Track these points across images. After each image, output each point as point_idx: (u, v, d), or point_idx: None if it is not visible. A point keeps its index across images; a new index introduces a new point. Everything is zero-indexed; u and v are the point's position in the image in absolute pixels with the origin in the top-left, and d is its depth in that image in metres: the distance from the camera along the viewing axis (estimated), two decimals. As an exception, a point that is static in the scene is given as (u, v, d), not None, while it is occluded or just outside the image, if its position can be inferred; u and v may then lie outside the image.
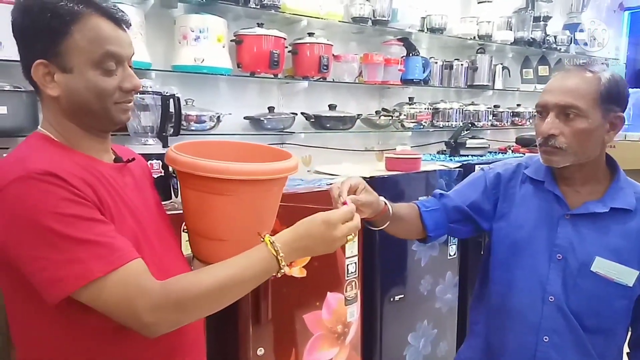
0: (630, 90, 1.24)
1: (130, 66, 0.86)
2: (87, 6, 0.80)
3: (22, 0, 0.80)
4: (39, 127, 0.85)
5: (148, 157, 1.41)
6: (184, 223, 1.03)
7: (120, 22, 0.83)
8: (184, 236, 1.09)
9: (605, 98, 1.01)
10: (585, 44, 3.56)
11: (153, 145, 1.61)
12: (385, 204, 1.15)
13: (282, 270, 0.81)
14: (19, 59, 0.82)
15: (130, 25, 0.87)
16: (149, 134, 1.62)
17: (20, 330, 0.82)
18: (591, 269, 1.04)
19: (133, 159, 0.94)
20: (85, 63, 0.79)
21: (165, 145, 1.66)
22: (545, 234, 1.09)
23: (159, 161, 1.55)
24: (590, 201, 1.08)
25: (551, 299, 1.07)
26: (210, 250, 0.97)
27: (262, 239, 0.82)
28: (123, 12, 0.85)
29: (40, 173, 0.72)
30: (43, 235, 0.71)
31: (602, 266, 1.04)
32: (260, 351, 1.61)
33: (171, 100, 1.63)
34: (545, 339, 1.08)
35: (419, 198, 2.02)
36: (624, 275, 1.04)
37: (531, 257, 1.10)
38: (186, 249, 1.03)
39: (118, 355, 0.81)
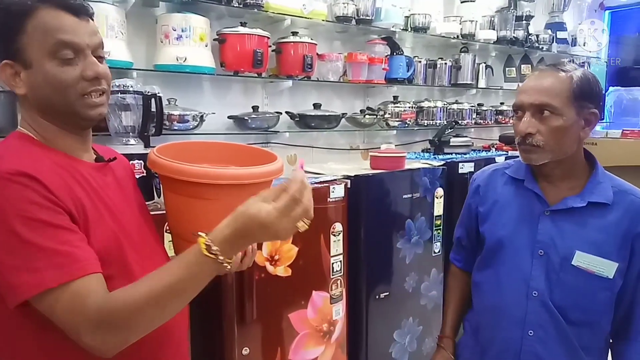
0: (611, 88, 1.26)
1: (99, 57, 0.83)
2: (40, 0, 0.78)
3: None
4: (18, 126, 0.84)
5: (130, 157, 1.39)
6: (166, 224, 1.02)
7: (77, 11, 0.80)
8: (167, 237, 1.09)
9: (578, 96, 1.05)
10: (567, 42, 3.61)
11: (135, 145, 1.60)
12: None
13: (228, 267, 0.73)
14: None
15: (92, 13, 0.84)
16: (131, 133, 1.61)
17: None
18: (572, 262, 1.08)
19: (114, 159, 0.93)
20: (42, 55, 0.78)
21: (147, 145, 1.65)
22: (526, 231, 1.13)
23: (141, 161, 1.54)
24: (568, 197, 1.11)
25: (535, 294, 1.11)
26: None
27: (197, 239, 0.73)
28: (83, 2, 0.82)
29: (13, 173, 0.71)
30: (5, 238, 0.70)
31: (583, 260, 1.07)
32: (246, 351, 1.61)
33: (153, 99, 1.62)
34: (530, 333, 1.11)
35: (403, 196, 2.05)
36: (604, 267, 1.07)
37: (514, 255, 1.14)
38: (170, 250, 1.03)
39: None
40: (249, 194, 0.77)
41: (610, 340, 1.16)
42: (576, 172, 1.12)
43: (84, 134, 0.87)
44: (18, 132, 0.83)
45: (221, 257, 0.71)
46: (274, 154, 1.00)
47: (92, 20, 0.84)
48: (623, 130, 3.53)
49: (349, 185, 1.87)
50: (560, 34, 3.56)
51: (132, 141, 1.62)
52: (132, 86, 1.62)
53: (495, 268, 1.18)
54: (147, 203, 1.05)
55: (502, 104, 3.29)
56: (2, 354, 0.80)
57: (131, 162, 1.34)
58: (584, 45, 3.65)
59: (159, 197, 1.57)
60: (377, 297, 1.99)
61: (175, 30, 1.82)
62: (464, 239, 1.35)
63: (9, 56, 0.78)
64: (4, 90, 1.45)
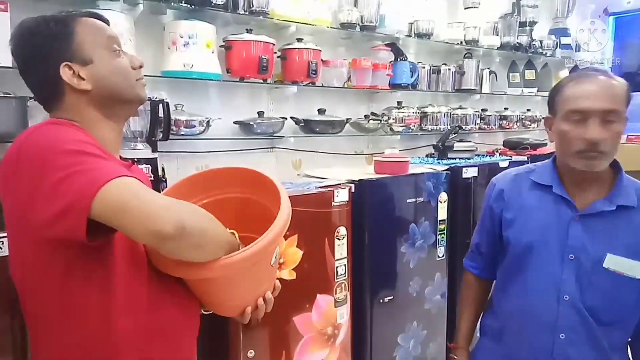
0: None
1: None
2: (75, 12, 0.91)
3: (22, 25, 0.87)
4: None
5: (138, 162, 1.42)
6: None
7: (104, 20, 0.95)
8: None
9: (628, 101, 1.08)
10: (571, 47, 3.63)
11: (142, 150, 1.63)
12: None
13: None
14: (18, 71, 0.90)
15: (109, 24, 0.97)
16: (139, 138, 1.64)
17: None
18: (603, 265, 1.10)
19: (134, 162, 1.02)
20: (100, 49, 0.89)
21: (154, 150, 1.68)
22: (556, 236, 1.14)
23: (149, 166, 1.57)
24: (597, 200, 1.12)
25: (566, 297, 1.12)
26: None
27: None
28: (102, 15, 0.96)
29: (65, 124, 0.84)
30: (68, 158, 0.75)
31: (614, 262, 1.09)
32: (251, 353, 1.62)
33: (160, 105, 1.65)
34: (562, 336, 1.13)
35: (407, 200, 2.07)
36: (634, 269, 1.09)
37: (543, 260, 1.16)
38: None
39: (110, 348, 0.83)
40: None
41: (629, 339, 1.18)
42: (603, 176, 1.14)
43: (121, 130, 0.97)
44: (54, 119, 0.88)
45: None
46: (278, 187, 0.98)
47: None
48: (628, 135, 3.53)
49: (353, 190, 1.89)
50: (564, 40, 3.57)
51: (140, 146, 1.65)
52: (140, 92, 1.65)
53: (524, 273, 1.18)
54: None
55: (506, 109, 3.31)
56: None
57: (139, 166, 1.37)
58: (586, 45, 3.65)
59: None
60: (381, 301, 1.99)
61: (182, 37, 1.85)
62: (482, 245, 1.35)
63: (65, 58, 0.86)
64: (16, 97, 1.48)
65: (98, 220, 0.72)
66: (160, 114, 1.68)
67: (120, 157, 0.99)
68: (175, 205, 0.76)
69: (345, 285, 1.87)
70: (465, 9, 3.02)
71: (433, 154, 2.69)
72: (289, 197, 0.97)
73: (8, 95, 1.48)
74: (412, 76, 2.62)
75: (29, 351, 0.88)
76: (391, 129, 2.62)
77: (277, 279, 1.64)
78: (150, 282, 0.87)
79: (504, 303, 1.26)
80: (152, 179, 1.54)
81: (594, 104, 1.05)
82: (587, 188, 1.14)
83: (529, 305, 1.17)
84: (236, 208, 1.03)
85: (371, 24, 2.42)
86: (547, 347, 1.14)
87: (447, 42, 2.83)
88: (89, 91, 0.88)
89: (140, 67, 0.95)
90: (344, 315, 1.87)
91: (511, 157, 2.72)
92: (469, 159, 2.55)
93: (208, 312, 1.04)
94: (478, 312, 1.36)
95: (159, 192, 1.38)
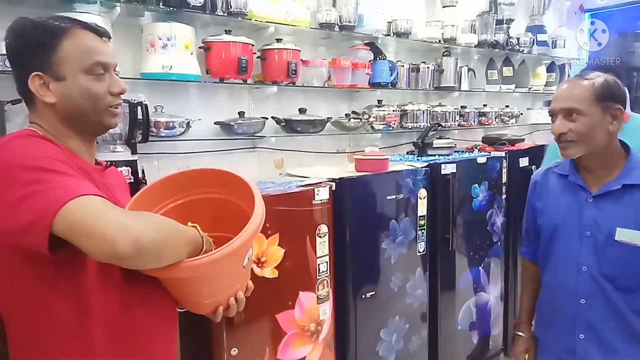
0: None
1: (115, 73, 0.95)
2: (72, 22, 0.90)
3: (14, 23, 0.89)
4: (27, 127, 0.92)
5: (117, 164, 1.43)
6: None
7: (101, 34, 0.94)
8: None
9: (600, 98, 1.27)
10: (547, 44, 3.70)
11: (122, 152, 1.64)
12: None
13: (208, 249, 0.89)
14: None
15: (110, 37, 0.98)
16: (118, 141, 1.65)
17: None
18: (615, 238, 1.28)
19: (111, 164, 1.03)
20: (77, 71, 0.89)
21: (134, 152, 1.68)
22: (575, 218, 1.36)
23: (129, 168, 1.58)
24: (608, 182, 1.31)
25: (584, 268, 1.33)
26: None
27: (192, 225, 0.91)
28: (102, 27, 0.95)
29: (33, 135, 0.84)
30: (28, 175, 0.77)
31: (624, 235, 1.27)
32: (234, 351, 1.64)
33: (139, 107, 1.66)
34: (582, 301, 1.33)
35: (387, 197, 2.11)
36: None
37: (566, 239, 1.38)
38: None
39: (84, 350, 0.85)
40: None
41: None
42: (612, 161, 1.32)
43: (93, 141, 0.98)
44: (28, 129, 0.90)
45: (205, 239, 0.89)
46: (252, 188, 0.98)
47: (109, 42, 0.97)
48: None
49: (333, 188, 1.92)
50: (541, 37, 3.64)
51: (119, 148, 1.66)
52: (118, 94, 1.65)
53: (553, 252, 1.41)
54: None
55: (484, 105, 3.37)
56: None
57: (119, 168, 1.38)
58: (585, 45, 3.73)
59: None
60: (363, 296, 2.03)
61: (160, 39, 1.86)
62: (530, 233, 1.57)
63: (40, 69, 0.87)
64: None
65: (61, 236, 0.74)
66: (139, 116, 1.68)
67: (96, 160, 1.00)
68: (132, 224, 0.75)
69: (327, 282, 1.90)
70: (443, 7, 3.07)
71: (413, 151, 2.74)
72: (270, 196, 1.01)
73: (-16, 100, 1.47)
74: (391, 75, 2.66)
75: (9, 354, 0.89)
76: (372, 127, 2.65)
77: (259, 277, 1.67)
78: (123, 287, 0.88)
79: (542, 279, 1.49)
80: (132, 181, 1.55)
81: (556, 105, 1.33)
82: (599, 173, 1.33)
83: (557, 278, 1.40)
84: (215, 208, 1.05)
85: (350, 24, 2.45)
86: (571, 312, 1.35)
87: (425, 41, 2.87)
88: (54, 104, 0.89)
89: (120, 93, 0.94)
90: (326, 311, 1.90)
91: (489, 153, 2.77)
92: (448, 155, 2.59)
93: (182, 310, 1.06)
94: (536, 291, 1.54)
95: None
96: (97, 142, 1.04)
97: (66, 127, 0.91)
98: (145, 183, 1.68)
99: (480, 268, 2.55)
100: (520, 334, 1.56)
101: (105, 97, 0.92)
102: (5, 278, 0.84)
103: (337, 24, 2.42)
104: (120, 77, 1.79)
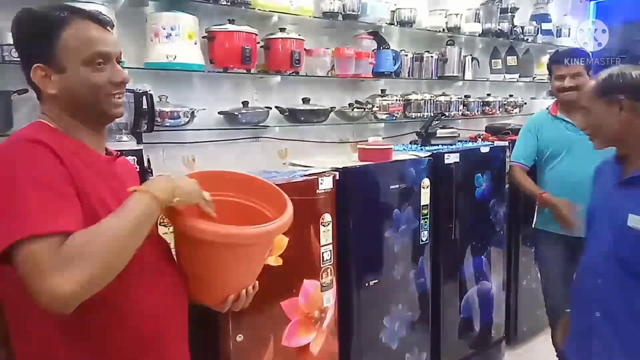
0: None
1: (118, 62, 0.95)
2: (72, 12, 0.90)
3: (18, 13, 0.89)
4: (38, 118, 0.93)
5: (123, 154, 1.44)
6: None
7: (104, 23, 0.93)
8: (161, 229, 1.15)
9: (600, 93, 1.37)
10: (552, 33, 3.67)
11: (127, 142, 1.65)
12: None
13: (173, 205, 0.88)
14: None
15: (113, 25, 0.97)
16: (123, 130, 1.66)
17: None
18: (628, 224, 1.31)
19: (121, 154, 1.03)
20: (77, 62, 0.88)
21: (139, 141, 1.70)
22: (604, 202, 1.44)
23: (134, 157, 1.59)
24: (635, 170, 1.35)
25: (604, 249, 1.38)
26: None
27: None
28: (104, 14, 0.94)
29: (32, 140, 0.81)
30: (5, 186, 0.77)
31: (636, 221, 1.30)
32: (240, 338, 1.67)
33: (144, 97, 1.67)
34: (599, 281, 1.38)
35: (391, 187, 2.12)
36: None
37: (597, 221, 1.45)
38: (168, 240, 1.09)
39: (96, 343, 0.87)
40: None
41: None
42: None
43: (101, 130, 0.98)
44: (40, 122, 0.91)
45: (156, 193, 0.84)
46: (282, 194, 1.08)
47: (112, 30, 0.96)
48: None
49: (337, 177, 1.93)
50: (545, 26, 3.61)
51: (124, 138, 1.67)
52: (123, 84, 1.66)
53: (589, 235, 1.49)
54: None
55: (488, 95, 3.36)
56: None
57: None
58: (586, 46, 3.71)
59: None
60: (366, 284, 2.05)
61: (164, 28, 1.86)
62: None
63: (42, 60, 0.87)
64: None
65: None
66: (144, 105, 1.69)
67: (106, 149, 1.00)
68: (68, 271, 0.72)
69: (331, 270, 1.92)
70: (447, -4, 3.05)
71: (416, 140, 2.74)
72: (275, 185, 1.07)
73: (-9, 90, 1.49)
74: (395, 64, 2.65)
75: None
76: (375, 117, 2.66)
77: (264, 265, 1.69)
78: (129, 278, 0.86)
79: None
80: (138, 170, 1.56)
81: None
82: (634, 161, 1.37)
83: (586, 257, 1.48)
84: (234, 210, 1.09)
85: (353, 13, 2.44)
86: (589, 291, 1.41)
87: (429, 30, 2.86)
88: (56, 96, 0.89)
89: (122, 83, 0.93)
90: (330, 299, 1.92)
91: (493, 142, 2.77)
92: (451, 145, 2.60)
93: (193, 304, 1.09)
94: None
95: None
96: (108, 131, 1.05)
97: (72, 117, 0.91)
98: (151, 172, 1.69)
99: (482, 257, 2.56)
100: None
101: (106, 87, 0.91)
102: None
103: (341, 13, 2.41)
104: (125, 67, 1.81)
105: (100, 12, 0.95)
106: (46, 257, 0.72)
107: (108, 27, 0.94)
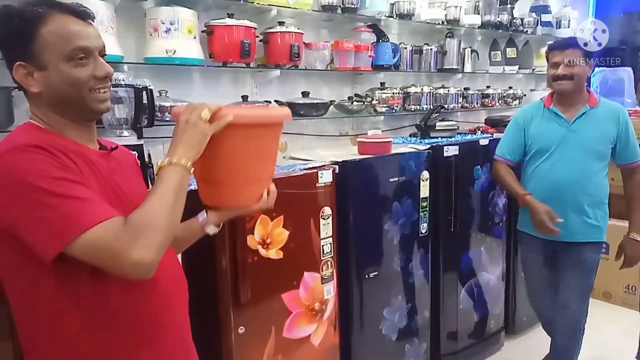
0: (597, 69, 1.62)
1: (102, 56, 0.92)
2: (50, 7, 0.87)
3: None
4: (28, 119, 0.92)
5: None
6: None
7: (84, 16, 0.90)
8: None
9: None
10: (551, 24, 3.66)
11: (128, 137, 1.66)
12: None
13: (192, 170, 0.90)
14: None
15: (94, 17, 0.94)
16: (124, 125, 1.67)
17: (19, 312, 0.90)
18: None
19: (116, 148, 1.02)
20: (58, 58, 0.86)
21: (140, 136, 1.70)
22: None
23: (135, 152, 1.60)
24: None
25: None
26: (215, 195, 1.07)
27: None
28: (85, 7, 0.91)
29: (28, 145, 0.80)
30: (35, 195, 0.77)
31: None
32: (241, 330, 1.69)
33: (144, 92, 1.68)
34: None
35: (390, 180, 2.13)
36: None
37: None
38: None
39: (104, 331, 0.89)
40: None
41: None
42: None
43: (90, 125, 0.96)
44: (29, 123, 0.91)
45: (176, 161, 0.88)
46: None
47: (93, 23, 0.93)
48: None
49: (337, 171, 1.94)
50: (545, 17, 3.60)
51: (125, 133, 1.68)
52: (123, 80, 1.67)
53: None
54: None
55: (488, 87, 3.36)
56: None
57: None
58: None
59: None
60: (366, 276, 2.07)
61: (163, 23, 1.87)
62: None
63: (22, 58, 0.86)
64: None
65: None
66: (145, 100, 1.70)
67: (99, 143, 0.99)
68: (141, 242, 0.79)
69: (331, 262, 1.94)
70: (446, -12, 3.04)
71: (416, 133, 2.75)
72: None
73: (-9, 86, 1.49)
74: (394, 57, 2.65)
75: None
76: (375, 110, 2.66)
77: (265, 258, 1.71)
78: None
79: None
80: (139, 165, 1.57)
81: None
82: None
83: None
84: None
85: (352, 6, 2.44)
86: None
87: (428, 22, 2.86)
88: (40, 94, 0.88)
89: (106, 77, 0.91)
90: (330, 291, 1.94)
91: (492, 134, 2.78)
92: (450, 137, 2.60)
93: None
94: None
95: (146, 179, 1.42)
96: (103, 127, 1.05)
97: (58, 115, 0.90)
98: (152, 167, 1.70)
99: (481, 248, 2.58)
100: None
101: (89, 83, 0.88)
102: (8, 263, 0.86)
103: (340, 6, 2.41)
104: (124, 62, 1.83)
105: (81, 5, 0.90)
106: (113, 238, 0.78)
107: (89, 20, 0.91)
